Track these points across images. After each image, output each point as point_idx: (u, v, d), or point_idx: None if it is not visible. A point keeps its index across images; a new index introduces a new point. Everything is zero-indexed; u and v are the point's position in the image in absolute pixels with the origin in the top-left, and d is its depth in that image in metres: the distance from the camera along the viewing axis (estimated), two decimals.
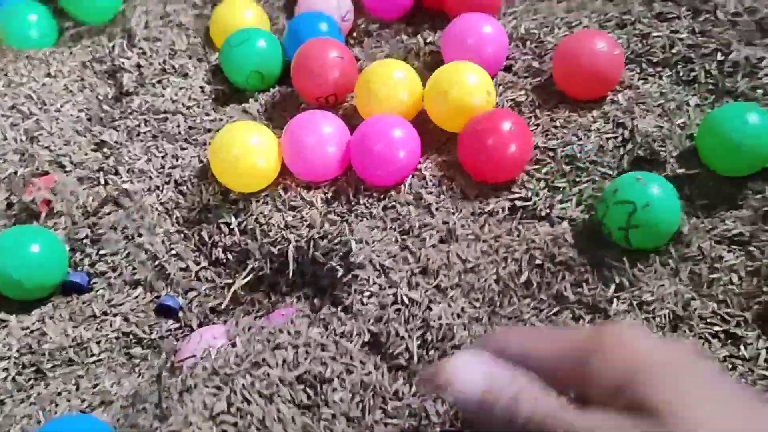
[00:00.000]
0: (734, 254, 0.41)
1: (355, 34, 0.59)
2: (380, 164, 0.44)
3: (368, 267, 0.41)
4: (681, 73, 0.48)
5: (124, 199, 0.48)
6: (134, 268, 0.46)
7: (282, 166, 0.47)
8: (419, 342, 0.39)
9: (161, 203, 0.48)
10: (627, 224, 0.39)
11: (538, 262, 0.41)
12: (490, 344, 0.28)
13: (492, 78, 0.47)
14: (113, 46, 0.58)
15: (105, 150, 0.52)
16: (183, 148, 0.51)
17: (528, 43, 0.52)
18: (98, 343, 0.44)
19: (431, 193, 0.44)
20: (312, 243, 0.44)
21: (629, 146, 0.44)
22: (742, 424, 0.24)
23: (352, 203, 0.45)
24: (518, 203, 0.44)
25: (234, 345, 0.39)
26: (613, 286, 0.40)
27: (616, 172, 0.44)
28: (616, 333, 0.26)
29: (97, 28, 0.61)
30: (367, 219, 0.44)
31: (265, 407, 0.35)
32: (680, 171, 0.43)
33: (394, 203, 0.44)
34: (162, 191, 0.49)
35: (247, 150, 0.45)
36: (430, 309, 0.39)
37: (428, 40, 0.53)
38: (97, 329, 0.44)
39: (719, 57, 0.47)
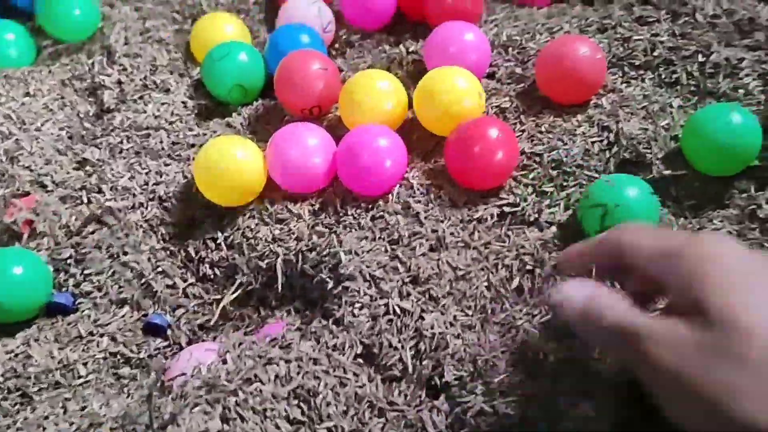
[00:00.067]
0: None
1: (337, 46, 0.59)
2: (367, 174, 0.44)
3: (358, 278, 0.41)
4: (663, 76, 0.48)
5: (108, 217, 0.47)
6: (120, 287, 0.45)
7: (268, 179, 0.46)
8: (413, 352, 0.38)
9: (146, 220, 0.48)
10: (601, 226, 0.40)
11: (528, 267, 0.41)
12: (610, 243, 0.32)
13: None
14: (93, 64, 0.58)
15: (87, 168, 0.51)
16: (167, 164, 0.50)
17: (510, 49, 0.52)
18: (85, 364, 0.43)
19: (419, 201, 0.44)
20: (300, 256, 0.44)
21: (615, 149, 0.45)
22: None
23: (340, 214, 0.45)
24: (507, 209, 0.44)
25: (225, 362, 0.38)
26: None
27: (602, 176, 0.44)
28: (701, 240, 0.29)
29: (76, 45, 0.60)
30: (356, 230, 0.44)
31: (260, 424, 0.34)
32: (666, 172, 0.43)
33: (382, 213, 0.44)
34: (146, 208, 0.48)
35: (232, 164, 0.45)
36: (423, 318, 0.39)
37: (411, 50, 0.53)
38: (83, 350, 0.43)
39: (700, 59, 0.47)
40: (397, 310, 0.39)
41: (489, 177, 0.44)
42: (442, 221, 0.43)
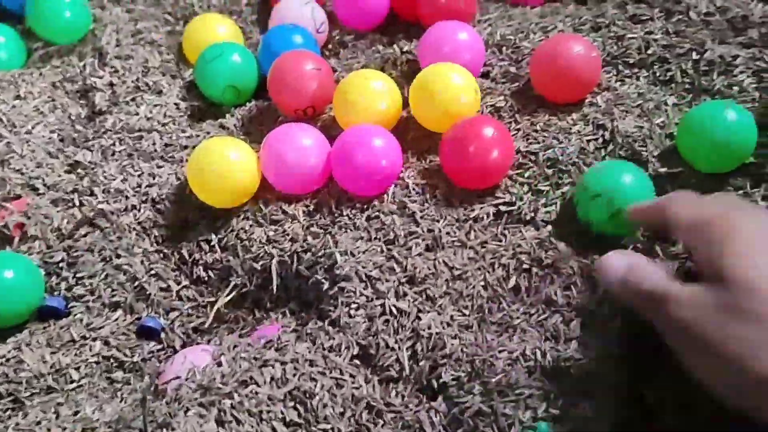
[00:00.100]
0: None
1: (330, 46, 0.59)
2: (362, 174, 0.43)
3: (354, 279, 0.41)
4: (657, 74, 0.48)
5: (100, 220, 0.47)
6: (113, 290, 0.45)
7: (261, 180, 0.46)
8: (410, 353, 0.38)
9: (139, 223, 0.47)
10: (608, 214, 0.40)
11: (525, 266, 0.40)
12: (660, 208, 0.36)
13: None
14: (84, 66, 0.57)
15: (79, 171, 0.51)
16: (159, 166, 0.50)
17: (504, 48, 0.52)
18: (78, 368, 0.42)
19: (415, 201, 0.44)
20: (295, 257, 0.43)
21: (610, 147, 0.44)
22: None
23: (335, 215, 0.45)
24: (503, 208, 0.43)
25: (220, 364, 0.38)
26: (602, 288, 0.40)
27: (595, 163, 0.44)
28: (729, 214, 0.31)
29: (67, 47, 0.60)
30: (351, 230, 0.43)
31: (256, 426, 0.34)
32: (662, 170, 0.43)
33: (377, 213, 0.44)
34: (139, 210, 0.48)
35: (226, 165, 0.44)
36: (419, 318, 0.39)
37: (404, 49, 0.53)
38: (76, 354, 0.43)
39: (694, 56, 0.47)
40: (394, 311, 0.39)
41: (484, 176, 0.44)
42: (438, 221, 0.43)
